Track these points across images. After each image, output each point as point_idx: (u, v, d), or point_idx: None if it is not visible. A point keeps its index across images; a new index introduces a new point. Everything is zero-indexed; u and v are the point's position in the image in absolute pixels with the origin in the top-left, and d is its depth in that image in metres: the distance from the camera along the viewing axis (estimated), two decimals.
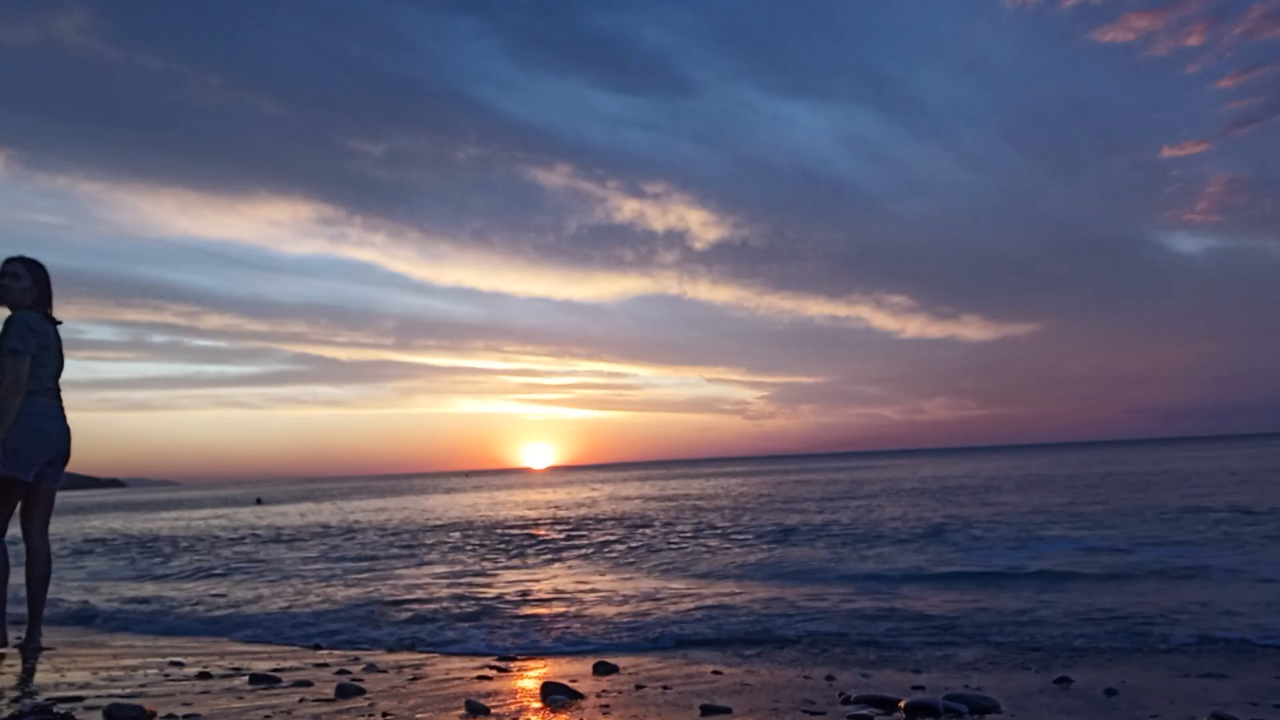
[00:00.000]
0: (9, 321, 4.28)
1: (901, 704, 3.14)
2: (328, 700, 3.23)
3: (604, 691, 3.44)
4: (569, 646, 5.72)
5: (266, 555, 13.89)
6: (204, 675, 3.89)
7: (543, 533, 16.01)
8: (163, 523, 26.78)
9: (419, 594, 8.48)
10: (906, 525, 13.80)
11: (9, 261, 4.38)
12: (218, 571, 11.70)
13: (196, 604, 8.49)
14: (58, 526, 26.78)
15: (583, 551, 12.28)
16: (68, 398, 4.53)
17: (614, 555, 11.57)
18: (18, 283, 4.36)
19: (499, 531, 16.65)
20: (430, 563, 11.56)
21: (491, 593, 8.39)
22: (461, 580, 9.49)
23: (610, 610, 7.08)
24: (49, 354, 4.39)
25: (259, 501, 45.21)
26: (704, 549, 11.66)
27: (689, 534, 14.05)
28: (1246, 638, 5.38)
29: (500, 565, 11.00)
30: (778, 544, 11.87)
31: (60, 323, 4.53)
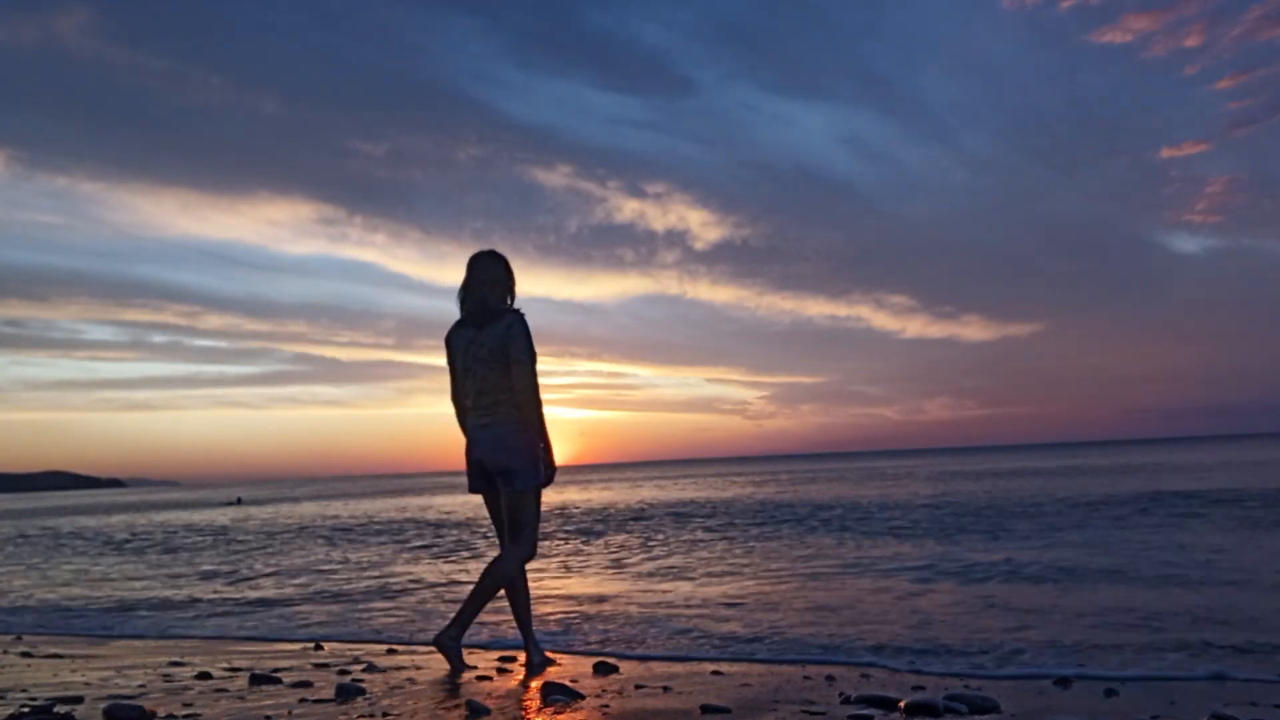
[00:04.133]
0: None
1: (901, 704, 3.14)
2: (329, 700, 3.24)
3: (604, 691, 3.44)
4: (569, 645, 5.71)
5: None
6: (204, 675, 3.89)
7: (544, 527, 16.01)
8: (106, 521, 26.75)
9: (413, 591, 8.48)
10: (908, 521, 13.81)
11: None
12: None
13: None
14: (25, 525, 26.78)
15: (576, 548, 12.28)
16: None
17: (609, 552, 11.57)
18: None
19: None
20: (420, 560, 11.55)
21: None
22: (456, 578, 9.49)
23: (609, 609, 7.08)
24: (463, 363, 4.10)
25: (239, 501, 43.90)
26: (704, 547, 11.66)
27: (688, 532, 14.06)
28: (1242, 638, 5.37)
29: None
30: (777, 541, 11.87)
31: (486, 323, 4.03)
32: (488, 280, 4.10)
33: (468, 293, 4.11)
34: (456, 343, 4.12)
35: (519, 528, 4.05)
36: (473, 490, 4.22)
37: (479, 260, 4.14)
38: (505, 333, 3.97)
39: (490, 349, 3.99)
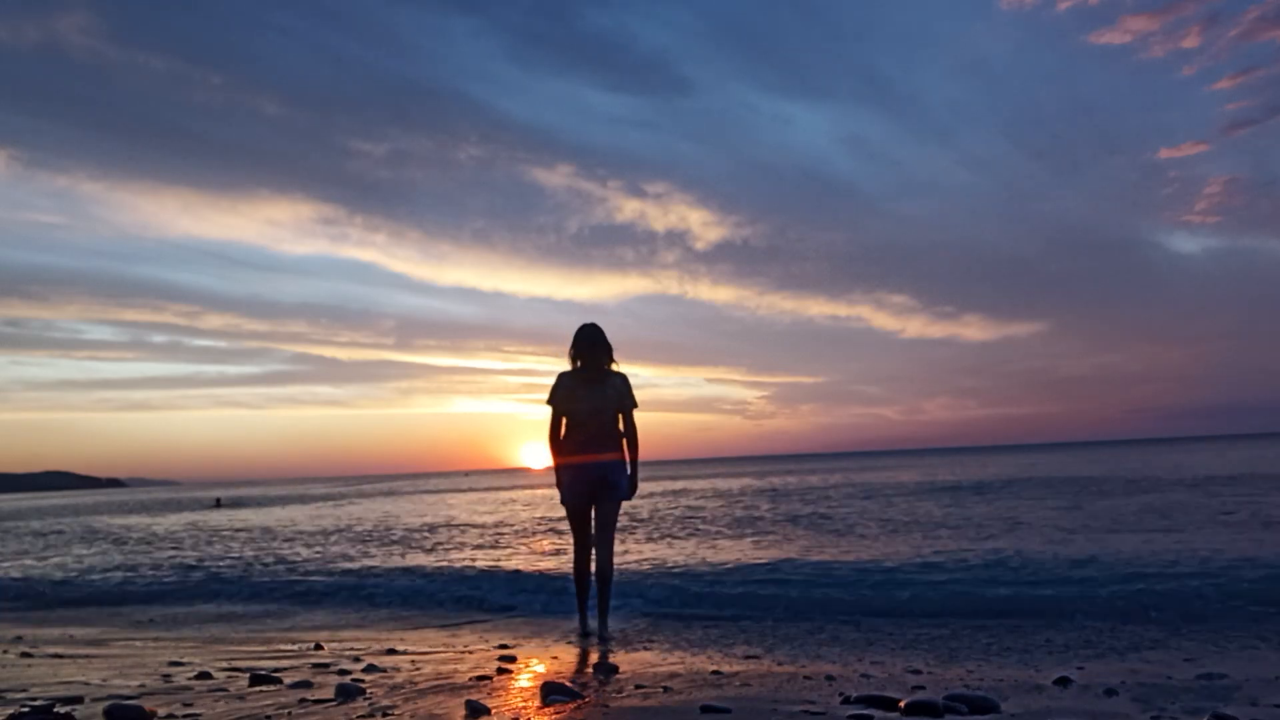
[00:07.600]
0: None
1: (901, 703, 3.14)
2: (329, 700, 3.23)
3: (604, 691, 3.44)
4: (569, 644, 5.72)
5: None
6: (204, 675, 3.89)
7: (540, 514, 16.01)
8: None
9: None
10: (908, 521, 13.81)
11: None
12: None
13: None
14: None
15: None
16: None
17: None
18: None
19: (493, 527, 16.64)
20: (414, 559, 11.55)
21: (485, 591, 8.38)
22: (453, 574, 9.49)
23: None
24: (587, 407, 5.38)
25: (218, 504, 43.01)
26: (703, 547, 11.66)
27: (688, 530, 14.06)
28: (1244, 636, 5.38)
29: (488, 561, 11.00)
30: (777, 541, 11.87)
31: (606, 377, 5.42)
32: (605, 346, 5.47)
33: (589, 355, 5.42)
34: (580, 390, 5.40)
35: (613, 528, 5.50)
36: (577, 501, 5.44)
37: (596, 331, 5.46)
38: (624, 387, 5.48)
39: (613, 398, 5.42)
